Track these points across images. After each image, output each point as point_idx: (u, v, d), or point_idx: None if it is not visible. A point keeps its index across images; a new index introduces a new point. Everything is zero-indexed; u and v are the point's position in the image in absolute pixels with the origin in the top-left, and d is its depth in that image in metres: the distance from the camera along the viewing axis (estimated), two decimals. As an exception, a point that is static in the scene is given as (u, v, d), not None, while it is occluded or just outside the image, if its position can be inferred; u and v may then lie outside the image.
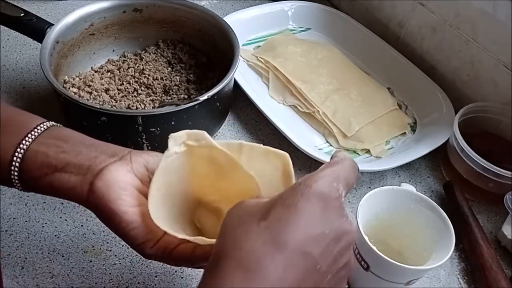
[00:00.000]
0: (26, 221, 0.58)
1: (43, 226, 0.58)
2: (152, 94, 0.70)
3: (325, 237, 0.32)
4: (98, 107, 0.58)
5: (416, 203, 0.53)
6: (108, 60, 0.75)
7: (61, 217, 0.59)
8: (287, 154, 0.41)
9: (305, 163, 0.69)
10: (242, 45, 0.86)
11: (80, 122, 0.60)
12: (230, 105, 0.73)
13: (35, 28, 0.66)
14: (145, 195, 0.40)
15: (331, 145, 0.72)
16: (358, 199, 0.64)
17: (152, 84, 0.70)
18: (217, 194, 0.43)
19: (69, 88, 0.67)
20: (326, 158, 0.66)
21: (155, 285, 0.54)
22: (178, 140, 0.40)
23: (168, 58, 0.75)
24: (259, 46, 0.87)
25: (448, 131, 0.69)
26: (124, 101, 0.68)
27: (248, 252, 0.31)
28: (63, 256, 0.55)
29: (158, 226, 0.38)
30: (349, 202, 0.66)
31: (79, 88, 0.68)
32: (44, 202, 0.60)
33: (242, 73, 0.77)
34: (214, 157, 0.41)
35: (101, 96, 0.67)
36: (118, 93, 0.69)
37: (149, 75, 0.71)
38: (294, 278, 0.30)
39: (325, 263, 0.32)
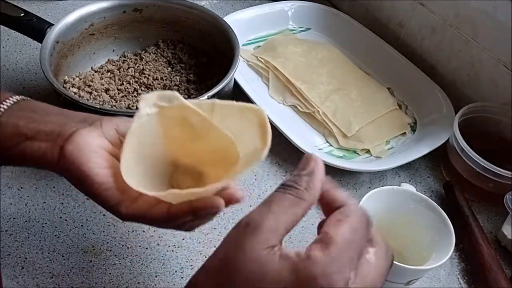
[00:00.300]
0: (26, 221, 0.58)
1: (43, 226, 0.58)
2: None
3: None
4: (98, 107, 0.57)
5: (416, 203, 0.53)
6: (108, 60, 0.75)
7: (61, 217, 0.59)
8: (261, 108, 0.40)
9: (305, 163, 0.69)
10: (242, 45, 0.86)
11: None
12: None
13: (35, 28, 0.66)
14: (117, 158, 0.39)
15: (331, 145, 0.72)
16: (358, 199, 0.64)
17: (152, 84, 0.70)
18: (193, 156, 0.43)
19: (69, 88, 0.67)
20: (326, 158, 0.66)
21: (155, 285, 0.54)
22: (149, 101, 0.40)
23: (168, 58, 0.75)
24: (259, 46, 0.87)
25: (448, 131, 0.69)
26: (124, 101, 0.67)
27: None
28: (63, 256, 0.55)
29: (130, 185, 0.38)
30: (349, 202, 0.66)
31: (79, 88, 0.67)
32: (44, 202, 0.60)
33: (242, 73, 0.77)
34: (187, 118, 0.41)
35: (101, 96, 0.67)
36: (118, 93, 0.68)
37: (149, 75, 0.71)
38: None
39: None
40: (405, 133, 0.75)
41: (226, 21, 0.73)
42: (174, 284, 0.54)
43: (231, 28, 0.71)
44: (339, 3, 0.98)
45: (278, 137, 0.69)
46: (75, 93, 0.67)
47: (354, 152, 0.72)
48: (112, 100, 0.67)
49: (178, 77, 0.72)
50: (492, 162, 0.62)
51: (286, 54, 0.82)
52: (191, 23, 0.75)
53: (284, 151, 0.70)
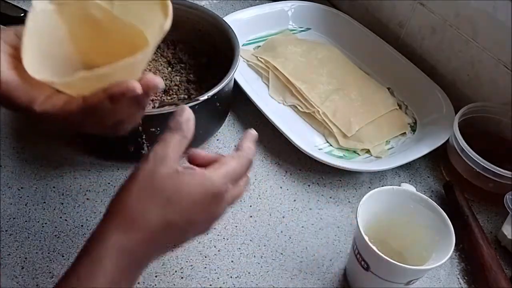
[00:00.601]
0: (26, 221, 0.58)
1: (43, 226, 0.58)
2: (151, 94, 0.69)
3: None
4: None
5: (416, 203, 0.53)
6: None
7: (61, 217, 0.59)
8: None
9: (305, 163, 0.69)
10: (242, 45, 0.86)
11: None
12: (230, 105, 0.73)
13: None
14: (20, 60, 0.38)
15: (331, 145, 0.72)
16: (358, 199, 0.64)
17: None
18: (103, 55, 0.42)
19: None
20: (326, 158, 0.66)
21: (155, 285, 0.54)
22: None
23: (168, 58, 0.75)
24: (259, 46, 0.87)
25: (448, 131, 0.69)
26: None
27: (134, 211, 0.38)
28: (63, 256, 0.55)
29: (34, 75, 0.37)
30: (349, 202, 0.66)
31: None
32: (44, 202, 0.60)
33: (242, 73, 0.77)
34: (88, 14, 0.40)
35: None
36: None
37: None
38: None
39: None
40: (405, 133, 0.75)
41: (226, 21, 0.73)
42: (174, 284, 0.54)
43: (231, 28, 0.71)
44: (339, 3, 0.98)
45: (278, 137, 0.69)
46: None
47: (354, 152, 0.72)
48: None
49: (178, 77, 0.72)
50: (492, 162, 0.62)
51: (286, 54, 0.82)
52: (191, 23, 0.75)
53: (284, 151, 0.70)
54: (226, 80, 0.62)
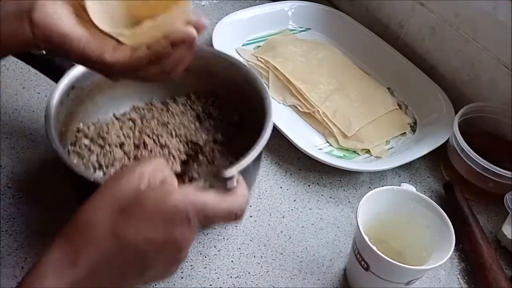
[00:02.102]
0: (26, 221, 0.58)
1: (43, 226, 0.58)
2: (168, 159, 0.60)
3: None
4: (92, 179, 0.49)
5: (416, 203, 0.53)
6: (133, 107, 0.67)
7: (61, 217, 0.59)
8: None
9: (305, 163, 0.69)
10: (242, 45, 0.86)
11: (81, 181, 0.51)
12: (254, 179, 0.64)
13: (53, 67, 0.61)
14: (82, 17, 0.42)
15: (331, 145, 0.72)
16: (358, 199, 0.64)
17: (170, 142, 0.61)
18: (145, 7, 0.44)
19: (81, 138, 0.60)
20: (326, 158, 0.66)
21: (155, 285, 0.54)
22: None
23: (197, 112, 0.67)
24: (259, 46, 0.87)
25: (448, 131, 0.69)
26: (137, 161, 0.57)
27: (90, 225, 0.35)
28: (63, 256, 0.55)
29: (105, 29, 0.41)
30: (349, 202, 0.66)
31: (91, 139, 0.60)
32: (44, 202, 0.60)
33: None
34: None
35: (112, 152, 0.59)
36: (134, 149, 0.60)
37: (172, 129, 0.63)
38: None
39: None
40: (405, 133, 0.75)
41: (245, 62, 0.65)
42: (174, 284, 0.54)
43: (265, 89, 0.62)
44: (339, 3, 0.98)
45: (278, 137, 0.69)
46: (85, 145, 0.60)
47: (354, 152, 0.72)
48: (125, 157, 0.60)
49: (204, 135, 0.64)
50: (492, 162, 0.62)
51: (286, 54, 0.82)
52: (225, 75, 0.66)
53: (284, 151, 0.70)
54: (253, 158, 0.52)
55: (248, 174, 0.55)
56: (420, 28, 0.83)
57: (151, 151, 0.61)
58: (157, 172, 0.37)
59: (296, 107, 0.76)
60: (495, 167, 0.62)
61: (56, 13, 0.40)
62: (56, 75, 0.59)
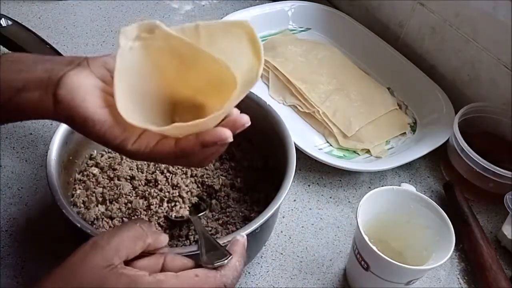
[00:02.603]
0: (26, 221, 0.58)
1: (43, 226, 0.58)
2: (178, 203, 0.56)
3: None
4: (89, 231, 0.47)
5: (416, 203, 0.53)
6: None
7: (61, 217, 0.59)
8: (247, 21, 0.38)
9: (305, 163, 0.69)
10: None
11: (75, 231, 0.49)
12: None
13: None
14: (112, 95, 0.38)
15: (331, 145, 0.72)
16: (358, 199, 0.64)
17: (183, 183, 0.57)
18: (189, 88, 0.41)
19: (90, 166, 0.59)
20: (326, 158, 0.66)
21: None
22: (130, 35, 0.38)
23: None
24: (259, 46, 0.87)
25: (448, 131, 0.69)
26: (143, 200, 0.56)
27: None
28: (63, 257, 0.55)
29: (130, 121, 0.36)
30: (349, 202, 0.66)
31: (101, 169, 0.58)
32: (44, 202, 0.60)
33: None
34: (174, 48, 0.39)
35: (120, 187, 0.56)
36: (144, 185, 0.58)
37: (189, 168, 0.59)
38: None
39: None
40: (405, 133, 0.75)
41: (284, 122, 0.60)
42: (174, 284, 0.54)
43: (289, 136, 0.58)
44: (339, 3, 0.98)
45: (278, 137, 0.69)
46: (94, 174, 0.58)
47: (354, 152, 0.72)
48: (133, 192, 0.57)
49: (223, 178, 0.60)
50: (492, 162, 0.62)
51: (286, 54, 0.82)
52: (254, 117, 0.55)
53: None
54: (267, 216, 0.49)
55: (254, 239, 0.51)
56: (420, 28, 0.83)
57: (161, 190, 0.57)
58: (137, 242, 0.38)
59: (296, 107, 0.76)
60: (495, 167, 0.62)
61: (81, 90, 0.38)
62: None
